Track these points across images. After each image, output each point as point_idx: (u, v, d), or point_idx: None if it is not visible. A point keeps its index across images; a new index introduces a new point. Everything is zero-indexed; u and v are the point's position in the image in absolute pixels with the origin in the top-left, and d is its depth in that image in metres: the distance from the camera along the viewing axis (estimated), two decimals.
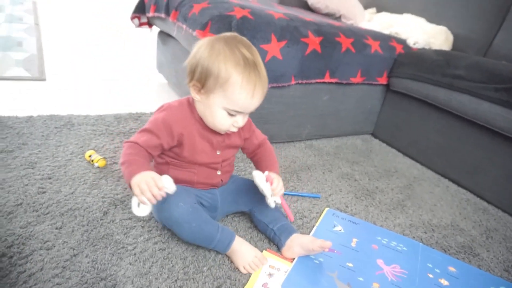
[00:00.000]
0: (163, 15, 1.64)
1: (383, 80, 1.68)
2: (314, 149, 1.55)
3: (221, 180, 0.94)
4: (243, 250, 0.83)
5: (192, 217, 0.79)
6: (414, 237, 1.07)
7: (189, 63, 0.79)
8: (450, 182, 1.49)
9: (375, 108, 1.80)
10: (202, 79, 0.77)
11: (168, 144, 0.83)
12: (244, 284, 0.79)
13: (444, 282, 0.90)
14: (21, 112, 1.35)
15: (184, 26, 1.43)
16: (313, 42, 1.39)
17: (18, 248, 0.76)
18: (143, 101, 1.74)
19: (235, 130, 0.84)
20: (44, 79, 1.77)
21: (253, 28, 1.25)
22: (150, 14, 1.80)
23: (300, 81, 1.42)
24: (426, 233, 1.11)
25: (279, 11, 1.48)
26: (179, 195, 0.79)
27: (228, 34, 0.80)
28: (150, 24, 1.96)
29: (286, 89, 1.41)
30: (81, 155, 1.14)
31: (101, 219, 0.89)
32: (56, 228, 0.84)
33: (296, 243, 0.87)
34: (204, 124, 0.84)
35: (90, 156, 1.12)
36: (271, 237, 0.93)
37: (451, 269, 0.95)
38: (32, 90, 1.60)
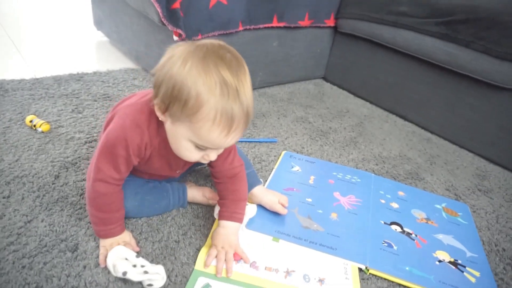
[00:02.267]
0: None
1: (330, 22, 1.68)
2: (268, 96, 1.56)
3: (179, 174, 0.85)
4: (197, 200, 0.87)
5: (141, 208, 0.79)
6: (366, 170, 1.14)
7: (156, 75, 0.61)
8: (397, 118, 1.57)
9: (325, 51, 1.81)
10: (166, 100, 0.58)
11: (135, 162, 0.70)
12: (209, 229, 0.81)
13: (395, 205, 0.98)
14: None
15: None
16: None
17: None
18: (83, 60, 1.62)
19: (205, 162, 0.68)
20: None
21: None
22: None
23: (248, 27, 1.38)
24: (377, 164, 1.18)
25: None
26: (130, 189, 0.76)
27: (210, 43, 0.59)
28: None
29: (234, 36, 1.37)
30: (21, 121, 1.06)
31: (53, 183, 0.85)
32: (4, 197, 0.79)
33: (257, 200, 0.88)
34: (168, 142, 0.67)
35: (31, 121, 1.04)
36: None
37: (401, 193, 1.03)
38: None
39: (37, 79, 1.33)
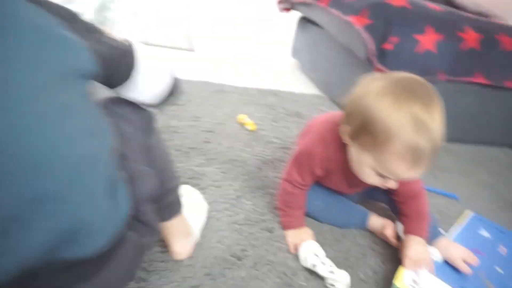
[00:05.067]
0: (310, 0, 1.71)
1: None
2: (450, 151, 1.47)
3: (354, 192, 0.89)
4: (376, 230, 0.87)
5: (324, 212, 0.86)
6: None
7: (348, 103, 0.67)
8: None
9: None
10: (356, 130, 0.64)
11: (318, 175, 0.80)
12: (387, 258, 0.81)
13: None
14: (181, 75, 1.55)
15: (334, 11, 1.48)
16: (471, 38, 1.31)
17: (196, 181, 0.91)
18: (278, 80, 1.84)
19: (383, 187, 0.71)
20: (192, 50, 2.00)
21: (409, 17, 1.25)
22: (296, 0, 1.89)
23: (449, 78, 1.36)
24: None
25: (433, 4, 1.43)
26: (316, 193, 0.85)
27: (404, 78, 0.64)
28: (291, 9, 2.06)
29: (431, 83, 1.36)
30: (234, 118, 1.28)
31: (256, 173, 1.00)
32: (222, 172, 0.97)
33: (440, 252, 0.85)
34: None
35: (242, 119, 1.24)
36: None
37: None
38: (185, 59, 1.83)
39: (246, 88, 1.57)
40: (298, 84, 1.85)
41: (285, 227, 0.82)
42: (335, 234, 0.85)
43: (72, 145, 0.38)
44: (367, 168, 0.67)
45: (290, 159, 0.81)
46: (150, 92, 0.58)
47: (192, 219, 0.72)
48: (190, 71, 1.66)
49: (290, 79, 1.93)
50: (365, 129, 0.63)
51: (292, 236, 0.80)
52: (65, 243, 0.39)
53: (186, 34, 2.22)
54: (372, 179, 0.69)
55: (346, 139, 0.69)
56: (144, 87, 0.56)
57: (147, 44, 1.91)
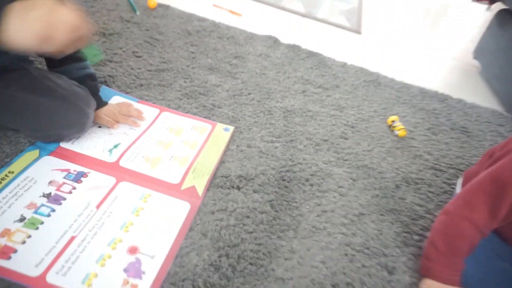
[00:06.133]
0: None
1: None
2: None
3: None
4: None
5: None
6: None
7: None
8: None
9: None
10: None
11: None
12: None
13: None
14: (337, 56, 1.41)
15: None
16: None
17: (317, 180, 0.80)
18: (449, 83, 1.53)
19: None
20: (359, 32, 1.81)
21: None
22: None
23: None
24: None
25: None
26: (474, 258, 0.62)
27: None
28: (492, 0, 1.65)
29: None
30: (383, 116, 1.10)
31: (392, 191, 0.83)
32: (351, 178, 0.83)
33: None
34: None
35: (392, 121, 1.05)
36: None
37: None
38: (347, 40, 1.67)
39: (405, 84, 1.33)
40: (475, 92, 1.49)
41: (428, 274, 0.62)
42: None
43: None
44: None
45: (476, 184, 0.60)
46: None
47: None
48: (349, 54, 1.50)
49: (465, 84, 1.57)
50: None
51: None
52: None
53: (354, 15, 2.04)
54: None
55: None
56: None
57: (311, 17, 1.82)
